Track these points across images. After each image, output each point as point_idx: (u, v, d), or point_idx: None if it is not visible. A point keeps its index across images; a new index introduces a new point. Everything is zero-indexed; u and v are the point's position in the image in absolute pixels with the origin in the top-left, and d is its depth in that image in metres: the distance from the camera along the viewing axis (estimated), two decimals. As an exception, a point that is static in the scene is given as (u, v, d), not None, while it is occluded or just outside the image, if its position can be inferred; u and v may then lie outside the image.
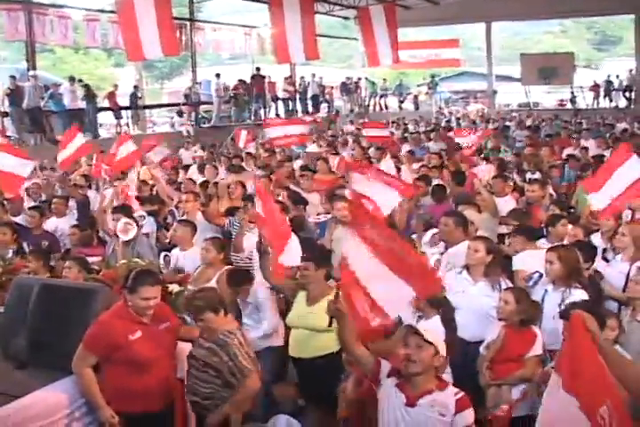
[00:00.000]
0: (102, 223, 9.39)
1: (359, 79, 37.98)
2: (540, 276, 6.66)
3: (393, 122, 29.37)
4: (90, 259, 8.02)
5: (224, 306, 5.60)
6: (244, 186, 10.85)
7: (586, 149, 15.45)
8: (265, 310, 6.90)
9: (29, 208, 10.48)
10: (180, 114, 27.73)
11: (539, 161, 13.87)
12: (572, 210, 10.48)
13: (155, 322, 5.53)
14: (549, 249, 6.68)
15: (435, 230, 8.31)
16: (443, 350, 4.47)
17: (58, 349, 5.67)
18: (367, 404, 5.11)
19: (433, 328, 5.90)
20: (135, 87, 26.67)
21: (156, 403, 5.44)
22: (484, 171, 13.18)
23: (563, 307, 5.88)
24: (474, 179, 10.44)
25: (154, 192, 12.25)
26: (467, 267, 6.77)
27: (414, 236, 8.68)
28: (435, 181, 11.62)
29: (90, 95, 22.92)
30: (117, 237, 8.59)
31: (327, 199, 10.05)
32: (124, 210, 9.18)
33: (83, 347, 5.43)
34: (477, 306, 6.41)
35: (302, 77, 34.07)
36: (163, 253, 7.96)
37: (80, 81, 23.34)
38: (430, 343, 4.41)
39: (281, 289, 7.01)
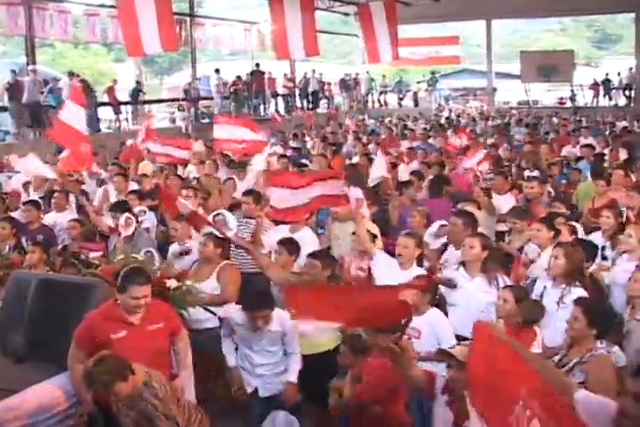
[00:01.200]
0: (97, 222, 9.50)
1: (357, 74, 37.98)
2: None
3: (400, 119, 29.47)
4: (91, 254, 8.03)
5: (129, 367, 4.95)
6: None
7: (588, 146, 15.37)
8: (293, 340, 6.22)
9: (24, 203, 10.44)
10: (182, 108, 27.68)
11: (537, 159, 13.86)
12: (574, 208, 10.51)
13: (145, 322, 5.46)
14: (557, 244, 6.74)
15: (441, 222, 8.35)
16: None
17: (55, 344, 5.66)
18: (367, 403, 5.10)
19: (430, 322, 5.96)
20: (138, 83, 26.64)
21: None
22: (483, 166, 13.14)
23: (561, 304, 5.90)
24: (472, 175, 10.48)
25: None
26: (463, 263, 6.79)
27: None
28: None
29: (88, 90, 22.86)
30: (118, 233, 8.62)
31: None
32: (121, 206, 9.19)
33: (73, 342, 5.44)
34: (474, 302, 6.43)
35: (306, 73, 34.05)
36: (144, 250, 7.91)
37: (77, 76, 23.28)
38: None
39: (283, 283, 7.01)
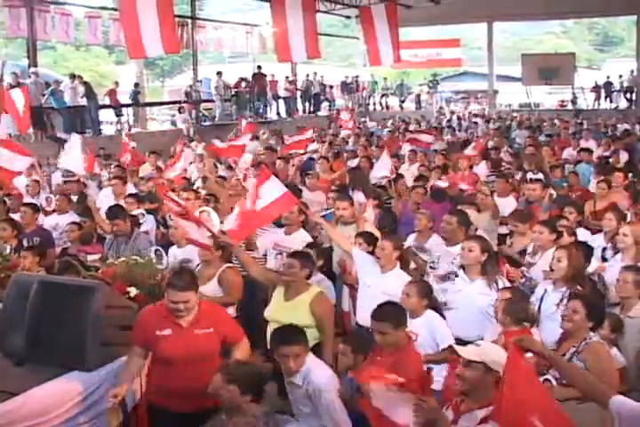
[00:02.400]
0: (101, 222, 9.52)
1: (357, 76, 37.98)
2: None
3: (403, 121, 29.51)
4: (90, 256, 8.03)
5: (259, 388, 4.82)
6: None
7: (586, 150, 15.34)
8: (328, 411, 5.20)
9: (22, 205, 10.46)
10: (182, 111, 27.69)
11: (539, 161, 13.85)
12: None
13: (192, 326, 5.40)
14: (560, 247, 6.74)
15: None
16: (498, 365, 4.22)
17: (56, 346, 5.67)
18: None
19: (428, 324, 5.97)
20: (136, 85, 26.68)
21: (184, 404, 5.34)
22: (483, 169, 13.24)
23: (561, 307, 5.90)
24: (476, 180, 10.52)
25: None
26: (462, 266, 6.80)
27: (413, 235, 8.69)
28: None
29: (90, 92, 22.87)
30: (115, 235, 8.62)
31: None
32: (118, 210, 9.18)
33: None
34: (473, 304, 6.43)
35: (307, 75, 34.04)
36: (154, 248, 7.90)
37: (80, 77, 23.27)
38: (477, 362, 4.32)
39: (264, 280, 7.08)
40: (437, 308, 6.28)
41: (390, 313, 5.34)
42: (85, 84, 22.96)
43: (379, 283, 6.85)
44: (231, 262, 7.80)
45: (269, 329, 6.45)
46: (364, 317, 6.49)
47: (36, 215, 10.03)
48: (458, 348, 4.49)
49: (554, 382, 4.62)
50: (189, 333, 5.38)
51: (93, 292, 5.94)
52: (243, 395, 4.68)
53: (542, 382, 4.49)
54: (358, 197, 10.22)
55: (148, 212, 10.35)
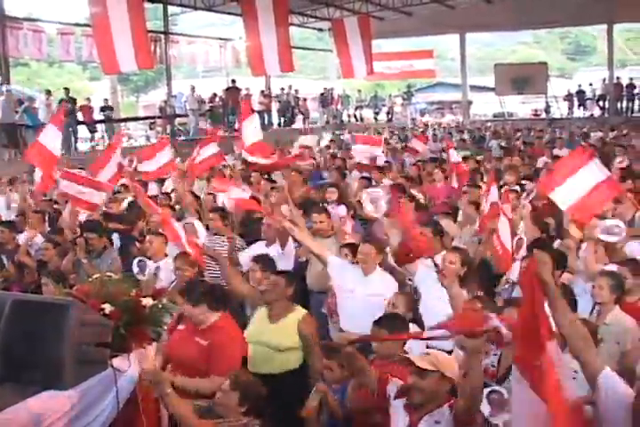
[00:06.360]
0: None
1: (331, 89, 37.98)
2: None
3: (379, 133, 29.49)
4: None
5: (256, 402, 4.85)
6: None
7: (557, 158, 15.39)
8: None
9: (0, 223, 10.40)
10: (153, 127, 27.62)
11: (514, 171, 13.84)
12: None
13: (196, 333, 5.68)
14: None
15: None
16: (452, 372, 4.39)
17: (30, 364, 5.62)
18: (371, 411, 5.05)
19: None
20: (105, 100, 26.61)
21: None
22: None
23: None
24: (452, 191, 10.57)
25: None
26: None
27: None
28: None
29: (73, 109, 22.83)
30: (89, 253, 8.55)
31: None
32: (95, 224, 9.12)
33: None
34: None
35: (283, 89, 34.01)
36: (137, 259, 7.81)
37: (66, 90, 23.16)
38: (430, 371, 4.35)
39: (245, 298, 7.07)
40: (418, 320, 6.27)
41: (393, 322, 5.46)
42: (73, 100, 22.92)
43: (363, 286, 6.82)
44: (204, 276, 7.80)
45: (251, 352, 6.30)
46: (349, 324, 6.52)
47: (13, 234, 9.98)
48: (414, 357, 4.49)
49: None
50: (189, 337, 5.63)
51: (68, 309, 5.88)
52: (240, 405, 4.74)
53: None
54: (340, 210, 10.18)
55: (116, 231, 10.18)
